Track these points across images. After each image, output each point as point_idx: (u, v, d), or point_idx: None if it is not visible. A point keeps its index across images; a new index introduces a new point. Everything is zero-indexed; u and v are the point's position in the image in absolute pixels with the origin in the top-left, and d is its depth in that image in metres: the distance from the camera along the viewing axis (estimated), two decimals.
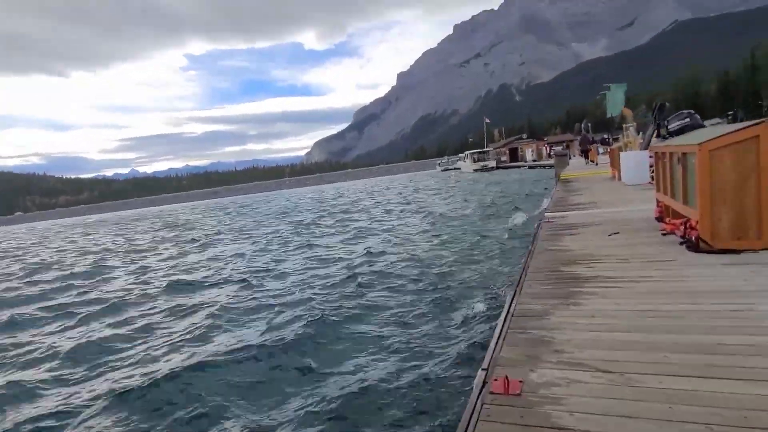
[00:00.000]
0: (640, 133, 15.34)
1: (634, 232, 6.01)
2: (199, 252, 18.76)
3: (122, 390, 5.39)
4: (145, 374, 5.89)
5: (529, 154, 61.99)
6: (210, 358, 6.08)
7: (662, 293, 3.50)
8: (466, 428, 2.14)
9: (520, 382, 2.40)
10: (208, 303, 9.43)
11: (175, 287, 11.44)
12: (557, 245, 5.81)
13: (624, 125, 27.51)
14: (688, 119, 5.84)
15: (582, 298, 3.61)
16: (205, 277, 12.58)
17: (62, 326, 9.12)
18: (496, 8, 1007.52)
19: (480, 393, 2.41)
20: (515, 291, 4.04)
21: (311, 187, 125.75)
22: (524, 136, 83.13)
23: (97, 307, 10.14)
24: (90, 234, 43.29)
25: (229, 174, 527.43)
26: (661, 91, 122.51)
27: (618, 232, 6.07)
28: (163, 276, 13.65)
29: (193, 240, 23.58)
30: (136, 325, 8.40)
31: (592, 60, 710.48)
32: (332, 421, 4.35)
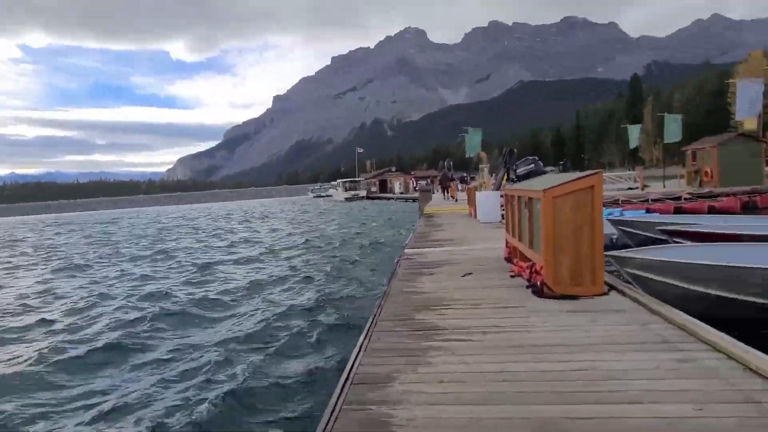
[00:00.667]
0: (493, 174, 16.66)
1: (486, 273, 6.02)
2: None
3: None
4: None
5: (397, 186, 64.83)
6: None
7: (511, 347, 3.26)
8: None
9: None
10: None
11: None
12: (413, 286, 5.52)
13: (480, 166, 30.00)
14: (533, 165, 6.04)
15: (432, 355, 3.21)
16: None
17: None
18: (372, 47, 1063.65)
19: None
20: (360, 346, 3.51)
21: (169, 206, 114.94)
22: (393, 168, 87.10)
23: None
24: None
25: (68, 187, 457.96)
26: (511, 138, 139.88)
27: (471, 273, 6.02)
28: None
29: None
30: None
31: (455, 105, 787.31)
32: None
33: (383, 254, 15.10)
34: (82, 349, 7.24)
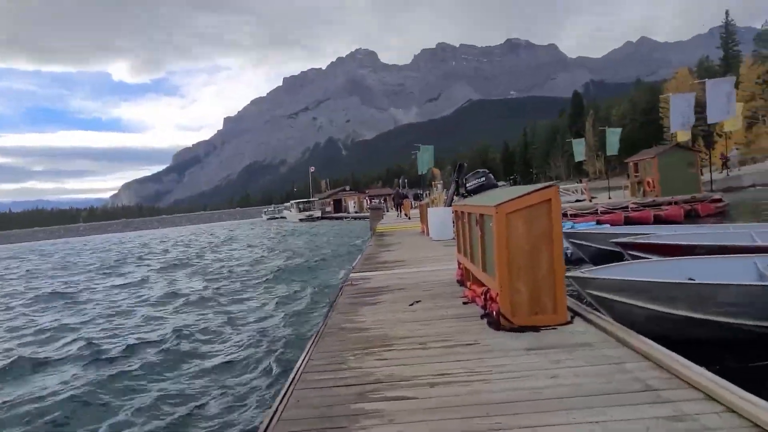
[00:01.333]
0: (445, 190, 16.29)
1: (436, 300, 5.36)
2: None
3: None
4: None
5: (351, 205, 64.14)
6: None
7: (463, 407, 2.56)
8: None
9: None
10: None
11: None
12: (353, 320, 4.77)
13: (433, 182, 29.85)
14: (483, 178, 5.50)
15: (362, 426, 2.46)
16: None
17: None
18: (324, 68, 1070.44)
19: None
20: (272, 416, 2.70)
21: (113, 234, 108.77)
22: (347, 188, 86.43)
23: None
24: None
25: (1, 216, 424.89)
26: (463, 154, 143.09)
27: (419, 301, 5.34)
28: None
29: None
30: None
31: (407, 124, 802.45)
32: None
33: (331, 277, 14.16)
34: None
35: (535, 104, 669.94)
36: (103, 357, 7.90)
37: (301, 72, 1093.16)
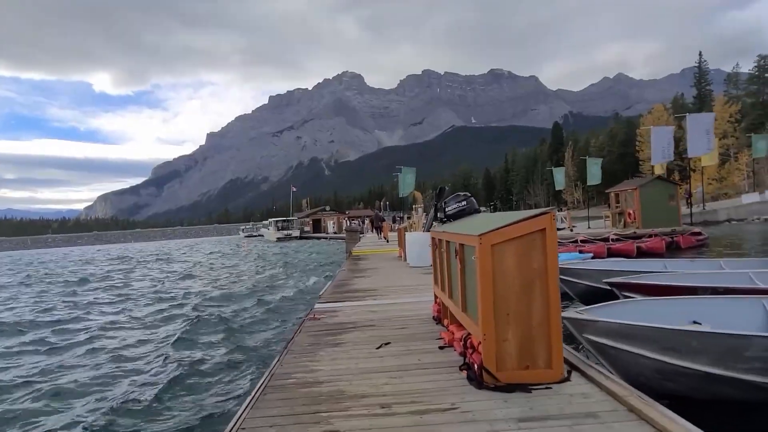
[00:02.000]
0: (425, 214, 15.68)
1: (409, 341, 4.61)
2: None
3: None
4: None
5: (330, 226, 63.19)
6: None
7: None
8: None
9: None
10: None
11: None
12: (307, 367, 3.98)
13: (414, 206, 29.23)
14: (464, 202, 4.79)
15: None
16: None
17: None
18: (310, 88, 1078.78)
19: None
20: None
21: (77, 247, 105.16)
22: (327, 208, 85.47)
23: None
24: None
25: None
26: (445, 179, 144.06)
27: (389, 343, 4.59)
28: None
29: None
30: None
31: (391, 147, 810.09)
32: None
33: (295, 306, 12.62)
34: None
35: (515, 133, 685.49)
36: None
37: (287, 91, 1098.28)
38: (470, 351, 3.58)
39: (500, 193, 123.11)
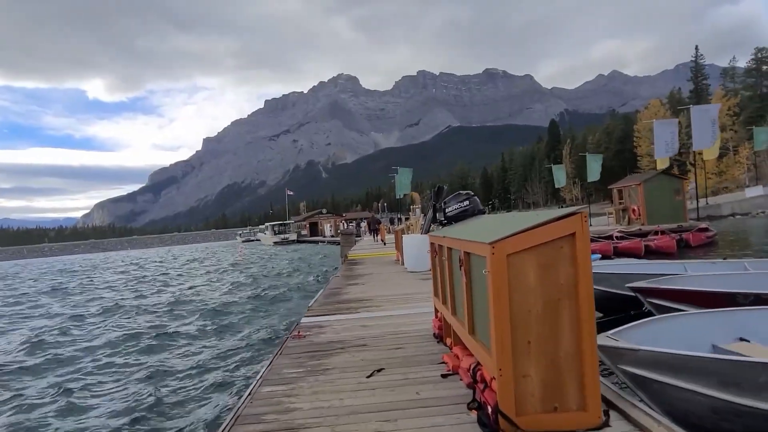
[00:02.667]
0: (423, 215, 15.00)
1: (405, 367, 3.91)
2: None
3: None
4: None
5: (327, 229, 62.49)
6: None
7: None
8: None
9: None
10: None
11: None
12: (282, 406, 3.28)
13: (412, 207, 28.52)
14: (467, 202, 4.06)
15: None
16: None
17: None
18: (305, 91, 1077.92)
19: None
20: None
21: (73, 256, 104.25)
22: (324, 210, 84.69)
23: None
24: None
25: None
26: (443, 179, 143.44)
27: (382, 369, 3.88)
28: None
29: None
30: None
31: (388, 148, 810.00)
32: None
33: (282, 319, 11.20)
34: None
35: (512, 132, 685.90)
36: None
37: (283, 95, 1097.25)
38: (481, 386, 2.88)
39: (498, 192, 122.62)
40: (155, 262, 48.61)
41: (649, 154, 60.83)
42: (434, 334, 4.80)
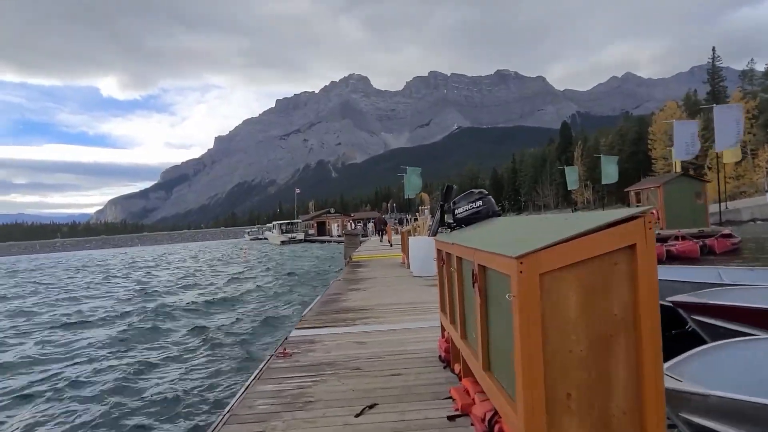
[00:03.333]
0: (431, 216, 14.28)
1: (404, 403, 3.21)
2: None
3: None
4: None
5: (335, 228, 61.97)
6: None
7: None
8: None
9: None
10: None
11: None
12: None
13: (421, 208, 27.72)
14: (480, 202, 3.26)
15: None
16: None
17: None
18: (316, 91, 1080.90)
19: None
20: None
21: (84, 251, 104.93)
22: (332, 210, 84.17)
23: None
24: None
25: None
26: (452, 180, 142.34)
27: (375, 405, 3.18)
28: None
29: None
30: None
31: (398, 149, 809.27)
32: None
33: (273, 330, 9.96)
34: None
35: (523, 133, 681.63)
36: None
37: (294, 95, 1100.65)
38: None
39: (508, 194, 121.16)
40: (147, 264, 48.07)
41: (664, 157, 59.40)
42: (440, 356, 4.09)
